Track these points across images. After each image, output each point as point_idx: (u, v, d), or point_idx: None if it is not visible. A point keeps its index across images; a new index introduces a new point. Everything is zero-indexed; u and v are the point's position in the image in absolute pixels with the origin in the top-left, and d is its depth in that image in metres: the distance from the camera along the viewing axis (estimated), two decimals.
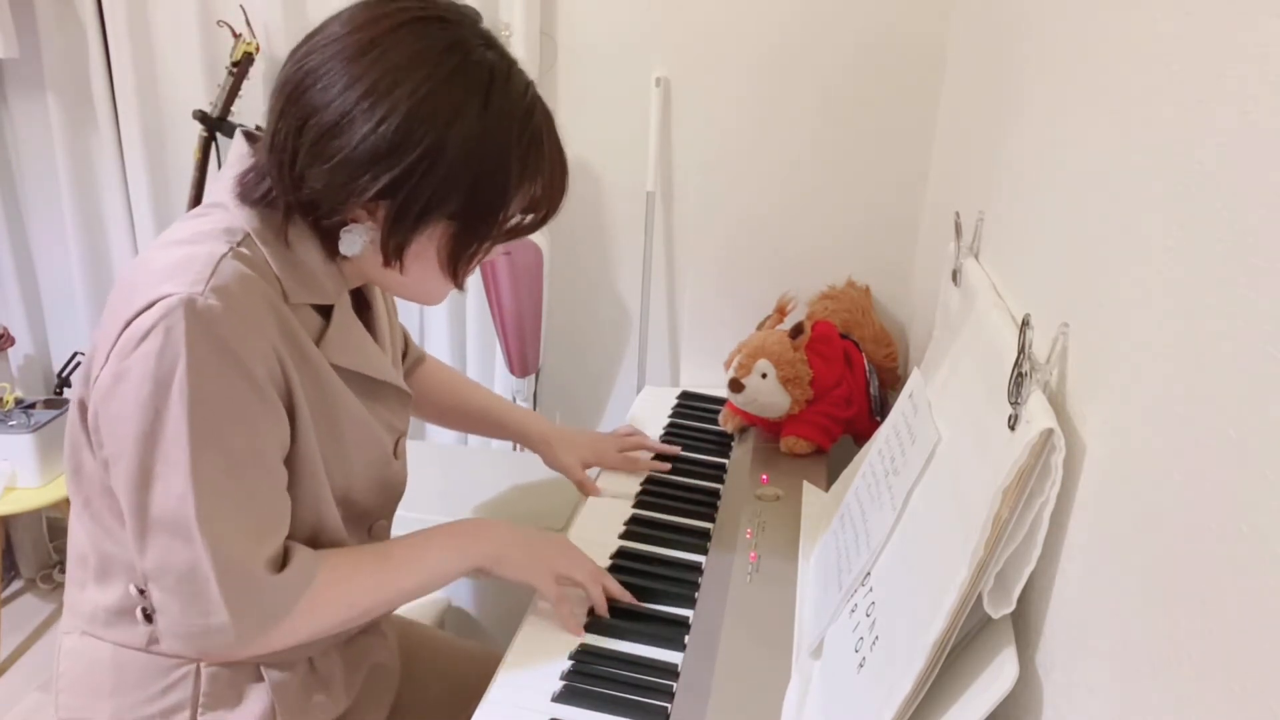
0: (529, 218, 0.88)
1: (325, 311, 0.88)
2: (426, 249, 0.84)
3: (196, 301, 0.74)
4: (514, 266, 1.66)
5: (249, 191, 0.83)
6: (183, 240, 0.80)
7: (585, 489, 1.26)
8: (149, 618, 0.87)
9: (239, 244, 0.80)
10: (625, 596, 1.03)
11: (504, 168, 0.81)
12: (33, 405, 1.93)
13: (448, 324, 1.89)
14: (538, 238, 1.66)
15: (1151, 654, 0.53)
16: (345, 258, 0.86)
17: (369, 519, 1.00)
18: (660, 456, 1.36)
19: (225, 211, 0.83)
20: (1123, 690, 0.56)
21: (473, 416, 1.30)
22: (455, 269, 0.86)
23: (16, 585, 2.18)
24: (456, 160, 0.78)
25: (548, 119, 0.86)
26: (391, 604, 0.94)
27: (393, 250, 0.83)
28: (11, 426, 1.85)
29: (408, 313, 1.94)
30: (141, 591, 0.86)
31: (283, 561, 0.84)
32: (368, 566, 0.92)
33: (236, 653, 0.84)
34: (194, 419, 0.75)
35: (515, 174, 0.82)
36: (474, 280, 1.80)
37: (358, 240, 0.82)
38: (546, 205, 0.88)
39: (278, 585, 0.82)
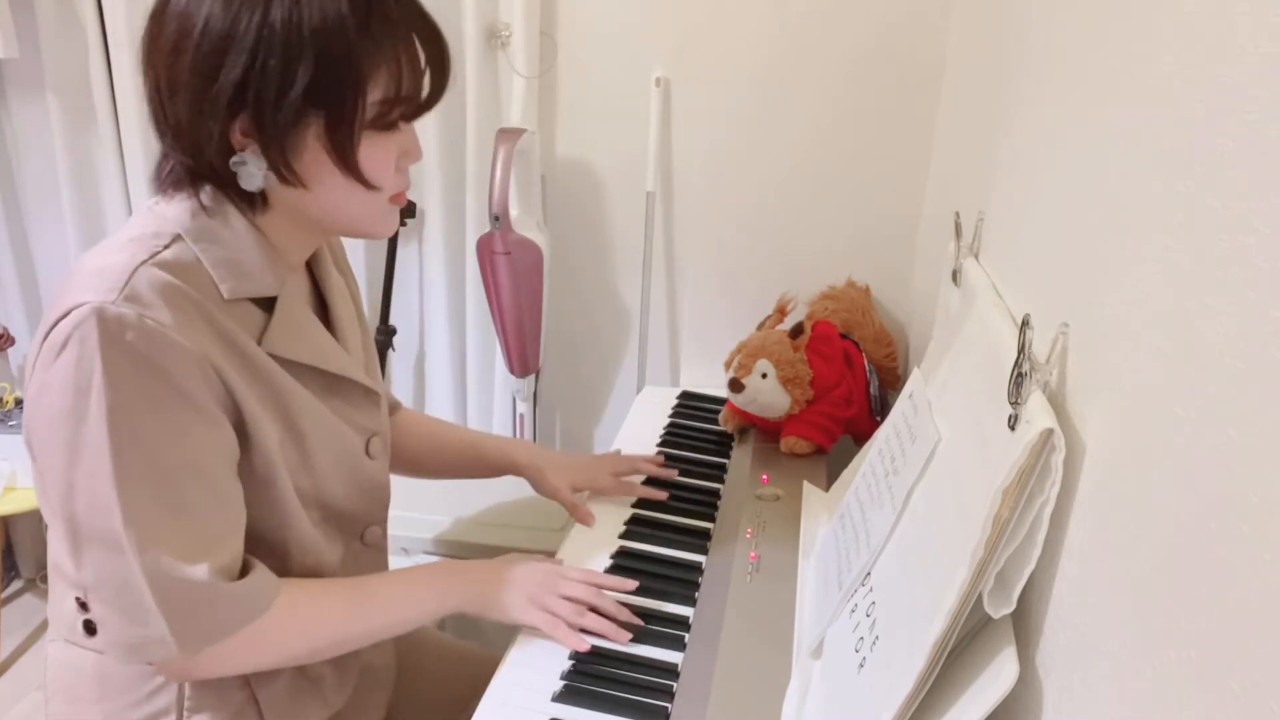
0: (407, 98, 0.82)
1: (271, 307, 0.86)
2: (316, 154, 0.80)
3: (107, 310, 0.73)
4: (514, 266, 1.66)
5: (159, 174, 0.83)
6: (109, 249, 0.79)
7: (577, 514, 1.19)
8: (92, 630, 0.85)
9: (165, 247, 0.79)
10: (626, 585, 1.02)
11: (342, 38, 0.76)
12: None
13: (448, 324, 1.89)
14: (538, 238, 1.66)
15: (1151, 654, 0.53)
16: (267, 207, 0.83)
17: (356, 525, 0.99)
18: (657, 481, 1.30)
19: (153, 214, 0.82)
20: (1122, 690, 0.56)
21: (452, 454, 1.23)
22: (348, 164, 0.80)
23: (16, 585, 2.18)
24: (290, 38, 0.74)
25: None
26: (356, 642, 0.91)
27: (281, 163, 0.79)
28: (11, 426, 1.85)
29: (408, 312, 1.94)
30: (83, 605, 0.85)
31: (238, 575, 0.82)
32: (336, 599, 0.90)
33: (186, 668, 0.82)
34: (114, 427, 0.74)
35: (359, 43, 0.76)
36: (474, 280, 1.80)
37: (253, 171, 0.80)
38: (420, 79, 0.82)
39: (225, 596, 0.79)
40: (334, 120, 0.78)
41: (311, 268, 0.97)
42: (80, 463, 0.75)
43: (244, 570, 0.83)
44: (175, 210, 0.82)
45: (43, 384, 0.76)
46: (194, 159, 0.80)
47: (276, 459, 0.85)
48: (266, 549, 0.88)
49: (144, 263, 0.77)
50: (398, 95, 0.81)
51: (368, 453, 0.97)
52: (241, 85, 0.76)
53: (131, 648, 0.79)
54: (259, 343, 0.84)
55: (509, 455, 1.23)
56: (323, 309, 0.97)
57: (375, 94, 0.79)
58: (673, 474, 1.31)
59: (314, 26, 0.75)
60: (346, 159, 0.80)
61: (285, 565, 0.90)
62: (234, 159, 0.80)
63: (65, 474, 0.76)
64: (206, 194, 0.82)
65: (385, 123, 0.81)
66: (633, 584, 1.03)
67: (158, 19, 0.78)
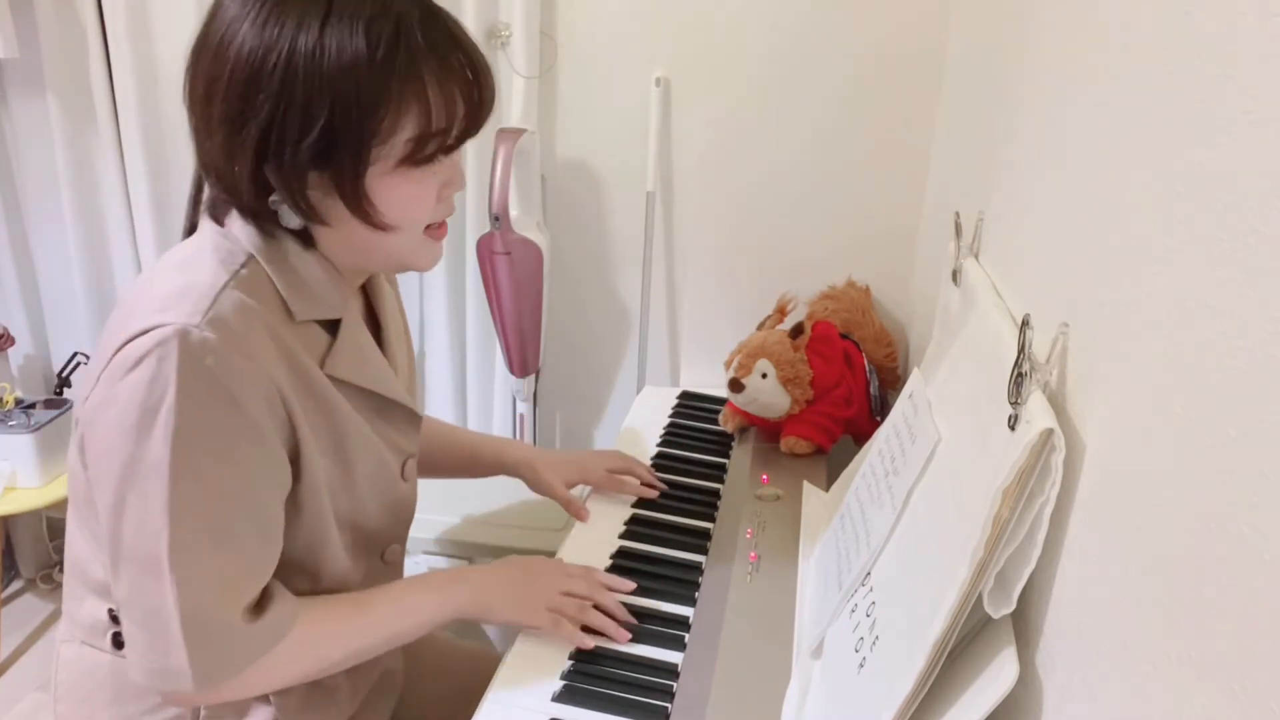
0: (440, 132, 0.79)
1: (334, 329, 0.86)
2: (332, 196, 0.79)
3: (191, 334, 0.73)
4: (514, 266, 1.66)
5: (210, 201, 0.83)
6: (185, 263, 0.79)
7: (572, 510, 1.20)
8: (119, 644, 0.85)
9: (242, 266, 0.79)
10: (626, 585, 1.03)
11: (356, 78, 0.73)
12: (33, 405, 1.93)
13: (448, 324, 1.89)
14: (538, 238, 1.66)
15: (1151, 654, 0.53)
16: (313, 242, 0.83)
17: (379, 543, 0.99)
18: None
19: (223, 232, 0.82)
20: (1123, 690, 0.56)
21: (444, 454, 1.21)
22: (359, 209, 0.79)
23: (16, 585, 2.18)
24: (310, 81, 0.73)
25: (430, 20, 0.77)
26: (365, 654, 0.91)
27: (302, 203, 0.78)
28: (11, 426, 1.85)
29: (408, 312, 1.94)
30: (114, 617, 0.85)
31: (258, 606, 0.82)
32: (342, 616, 0.89)
33: (196, 698, 0.82)
34: (176, 453, 0.73)
35: (377, 83, 0.74)
36: (474, 280, 1.80)
37: (289, 210, 0.80)
38: (455, 111, 0.79)
39: (248, 634, 0.80)
40: (341, 165, 0.77)
41: (365, 285, 0.97)
42: (135, 482, 0.75)
43: (264, 600, 0.83)
44: (244, 229, 0.81)
45: (108, 397, 0.75)
46: (235, 198, 0.80)
47: (322, 487, 0.85)
48: (297, 571, 0.88)
49: (228, 283, 0.77)
50: (429, 130, 0.78)
51: (403, 475, 0.97)
52: (265, 131, 0.75)
53: (150, 672, 0.79)
54: (321, 365, 0.84)
55: (502, 454, 1.23)
56: (374, 326, 0.96)
57: (407, 131, 0.77)
58: (662, 488, 1.27)
59: (332, 67, 0.73)
60: (357, 203, 0.79)
61: (315, 586, 0.90)
62: (272, 199, 0.79)
63: (118, 490, 0.75)
64: (265, 228, 0.82)
65: (420, 159, 0.79)
66: (631, 585, 1.03)
67: (194, 58, 0.78)
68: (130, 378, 0.73)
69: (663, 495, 1.27)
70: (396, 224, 0.82)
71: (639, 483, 1.27)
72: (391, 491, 0.96)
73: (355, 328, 0.88)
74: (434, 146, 0.79)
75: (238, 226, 0.82)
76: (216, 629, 0.78)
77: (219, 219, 0.83)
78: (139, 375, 0.73)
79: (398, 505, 0.98)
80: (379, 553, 0.99)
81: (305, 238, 0.84)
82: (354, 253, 0.86)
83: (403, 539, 1.03)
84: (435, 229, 0.86)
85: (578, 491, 1.24)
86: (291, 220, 0.81)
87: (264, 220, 0.81)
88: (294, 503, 0.84)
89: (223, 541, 0.78)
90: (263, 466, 0.79)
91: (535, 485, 1.22)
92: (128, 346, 0.74)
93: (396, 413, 0.95)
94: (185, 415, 0.73)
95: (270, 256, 0.81)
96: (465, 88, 0.79)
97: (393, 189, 0.80)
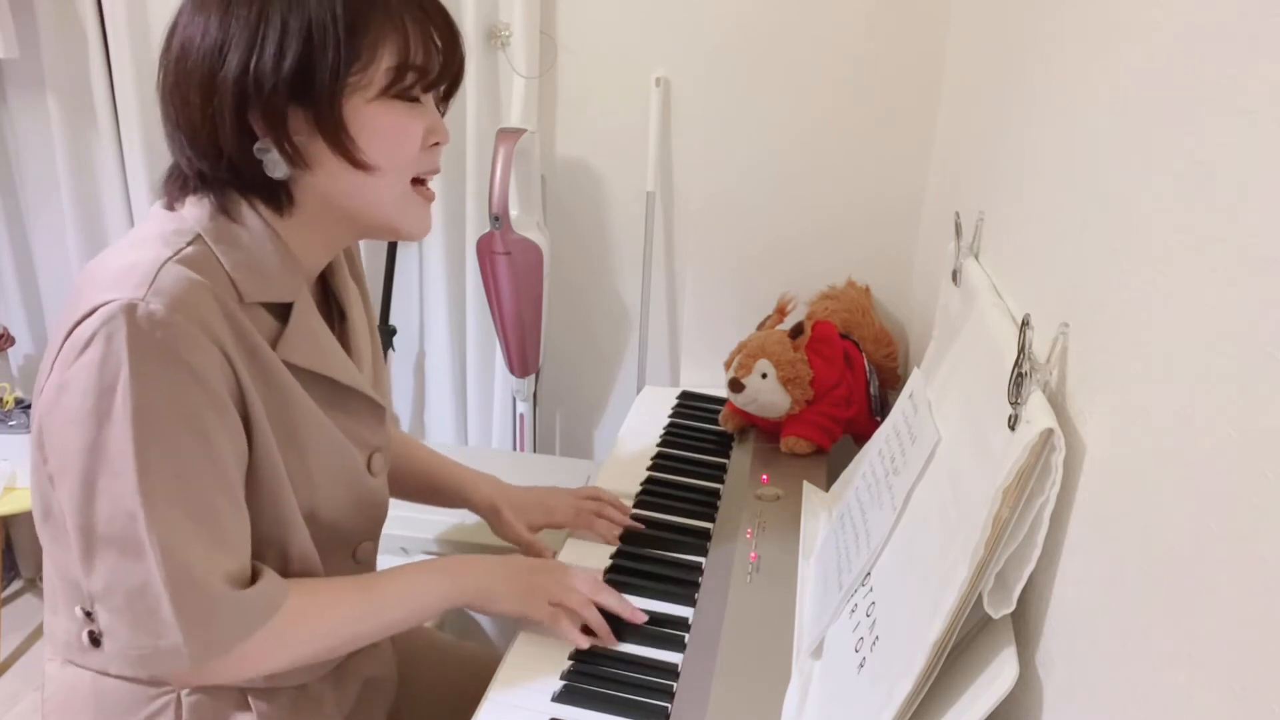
0: (420, 67, 0.82)
1: (285, 315, 0.85)
2: (312, 133, 0.80)
3: (137, 307, 0.72)
4: (514, 266, 1.66)
5: (167, 182, 0.83)
6: (129, 246, 0.79)
7: (534, 554, 1.12)
8: (96, 642, 0.82)
9: (188, 244, 0.78)
10: (625, 611, 0.99)
11: (333, 6, 0.76)
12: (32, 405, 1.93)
13: (448, 324, 1.89)
14: (538, 238, 1.66)
15: (1151, 654, 0.53)
16: (293, 205, 0.83)
17: (349, 541, 0.97)
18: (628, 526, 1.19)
19: (171, 213, 0.82)
20: (1123, 690, 0.56)
21: (409, 477, 1.16)
22: (342, 146, 0.80)
23: (16, 585, 2.18)
24: (286, 18, 0.76)
25: None
26: (369, 637, 0.91)
27: (285, 141, 0.79)
28: (11, 426, 1.85)
29: (408, 312, 1.94)
30: (89, 614, 0.82)
31: (249, 582, 0.81)
32: (347, 597, 0.89)
33: (192, 677, 0.81)
34: (139, 427, 0.73)
35: (352, 10, 0.77)
36: (474, 280, 1.80)
37: (276, 157, 0.79)
38: (432, 52, 0.82)
39: (239, 603, 0.79)
40: (320, 90, 0.77)
41: (326, 278, 0.96)
42: (103, 466, 0.74)
43: (254, 576, 0.82)
44: (194, 211, 0.81)
45: (62, 383, 0.74)
46: (212, 160, 0.80)
47: (280, 468, 0.84)
48: (267, 561, 0.86)
49: (170, 259, 0.76)
50: (408, 61, 0.80)
51: (369, 469, 0.96)
52: (244, 65, 0.76)
53: (141, 659, 0.77)
54: (274, 348, 0.83)
55: (463, 491, 1.17)
56: (337, 319, 0.96)
57: (386, 60, 0.79)
58: (640, 527, 1.18)
59: (304, 22, 0.76)
60: (336, 135, 0.79)
61: (284, 574, 0.88)
62: (258, 145, 0.79)
63: (85, 476, 0.74)
64: (225, 196, 0.81)
65: (402, 90, 0.81)
66: (632, 608, 1.00)
67: (167, 42, 0.81)
68: (82, 360, 0.73)
69: (663, 495, 1.27)
70: (378, 163, 0.82)
71: (609, 523, 1.17)
72: (358, 485, 0.95)
73: (308, 313, 0.87)
74: (413, 78, 0.82)
75: (188, 208, 0.81)
76: (207, 600, 0.77)
77: (171, 203, 0.83)
78: (89, 356, 0.72)
79: (366, 501, 0.97)
80: (349, 551, 0.98)
81: (274, 208, 0.83)
82: (338, 208, 0.85)
83: (375, 537, 1.02)
84: (422, 187, 0.87)
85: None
86: (277, 169, 0.80)
87: (244, 186, 0.81)
88: (257, 483, 0.83)
89: (199, 513, 0.77)
90: (225, 434, 0.78)
91: (498, 531, 1.17)
92: (77, 329, 0.73)
93: (358, 403, 0.93)
94: (142, 391, 0.72)
95: (218, 236, 0.80)
96: (441, 30, 0.83)
97: (374, 120, 0.81)
